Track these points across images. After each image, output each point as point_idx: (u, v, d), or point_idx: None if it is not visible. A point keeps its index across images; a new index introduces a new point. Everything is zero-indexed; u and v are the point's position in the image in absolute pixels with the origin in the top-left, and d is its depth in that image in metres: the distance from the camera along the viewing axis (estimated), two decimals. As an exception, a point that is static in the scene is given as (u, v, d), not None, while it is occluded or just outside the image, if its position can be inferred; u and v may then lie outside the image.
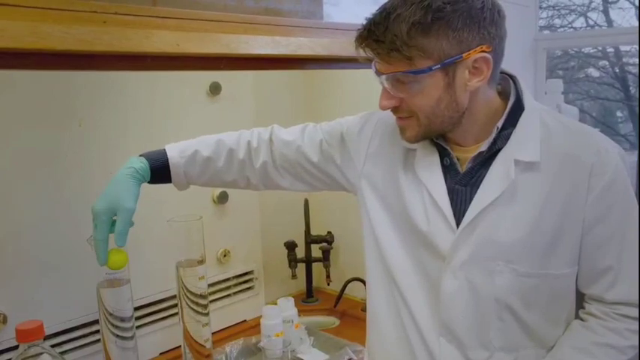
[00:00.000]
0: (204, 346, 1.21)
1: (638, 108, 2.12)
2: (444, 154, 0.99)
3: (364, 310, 1.84)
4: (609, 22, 3.36)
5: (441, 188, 0.97)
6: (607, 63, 3.57)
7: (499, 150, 0.94)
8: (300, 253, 1.93)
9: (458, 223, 0.95)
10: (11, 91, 1.23)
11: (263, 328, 1.45)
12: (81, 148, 1.34)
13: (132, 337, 1.16)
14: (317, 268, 1.97)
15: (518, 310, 0.95)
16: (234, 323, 1.72)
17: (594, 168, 0.91)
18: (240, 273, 1.73)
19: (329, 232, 1.94)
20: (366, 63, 0.96)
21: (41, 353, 1.16)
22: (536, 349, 0.98)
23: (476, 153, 0.96)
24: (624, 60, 3.50)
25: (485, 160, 0.96)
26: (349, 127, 1.12)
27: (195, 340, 1.22)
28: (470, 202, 0.95)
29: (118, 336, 1.14)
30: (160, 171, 1.08)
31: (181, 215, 1.21)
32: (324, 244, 1.92)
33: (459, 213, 0.96)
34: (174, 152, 1.09)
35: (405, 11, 0.85)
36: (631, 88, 3.42)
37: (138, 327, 1.46)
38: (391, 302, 1.06)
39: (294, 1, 1.24)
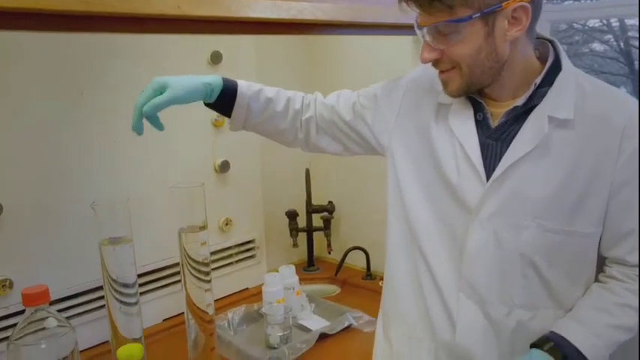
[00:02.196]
0: (207, 313, 1.23)
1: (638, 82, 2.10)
2: (477, 109, 1.00)
3: (364, 278, 1.87)
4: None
5: (474, 141, 0.98)
6: (611, 37, 3.53)
7: (534, 107, 0.95)
8: (301, 222, 1.94)
9: (488, 177, 0.97)
10: (17, 61, 1.24)
11: (264, 294, 1.47)
12: (83, 117, 1.35)
13: (136, 303, 1.17)
14: (318, 237, 1.99)
15: (542, 268, 0.96)
16: (236, 291, 1.74)
17: (626, 130, 0.92)
18: (242, 242, 1.74)
19: (330, 202, 1.95)
20: (365, 29, 0.96)
21: (47, 317, 1.18)
22: (555, 310, 0.99)
23: (511, 107, 0.97)
24: (629, 34, 3.47)
25: (518, 116, 0.96)
26: (383, 88, 1.15)
27: (197, 307, 1.23)
28: (500, 157, 0.96)
29: (122, 302, 1.15)
30: (226, 97, 1.09)
31: (183, 182, 1.22)
32: (325, 213, 1.94)
33: (489, 167, 0.97)
34: (244, 84, 1.11)
35: None
36: (635, 62, 3.39)
37: (142, 293, 1.48)
38: (410, 261, 1.07)
39: (296, -35, 1.24)
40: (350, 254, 1.88)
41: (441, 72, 0.97)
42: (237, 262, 1.74)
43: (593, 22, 3.43)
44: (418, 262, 1.06)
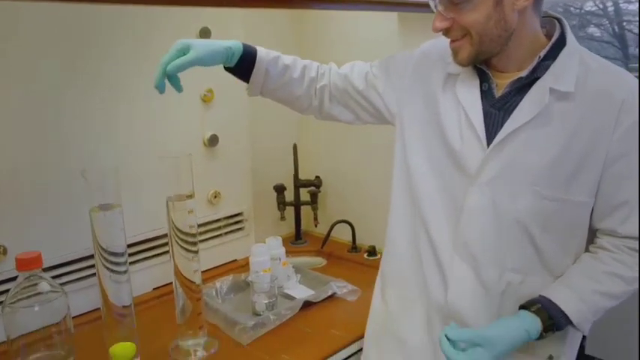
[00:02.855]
0: (194, 282, 1.27)
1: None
2: (483, 80, 1.05)
3: (350, 251, 1.92)
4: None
5: (478, 109, 1.04)
6: (607, 21, 3.54)
7: (537, 79, 1.00)
8: (289, 196, 1.98)
9: (489, 144, 1.02)
10: (12, 28, 1.27)
11: (251, 264, 1.52)
12: (75, 87, 1.38)
13: (125, 272, 1.20)
14: (305, 211, 2.03)
15: (535, 234, 1.01)
16: (225, 262, 1.79)
17: (625, 104, 0.96)
18: (230, 214, 1.79)
19: (317, 177, 1.99)
20: (351, 3, 1.00)
21: (40, 282, 1.22)
22: (545, 276, 1.04)
23: (515, 78, 1.02)
24: (624, 18, 3.48)
25: (521, 88, 1.01)
26: (395, 59, 1.21)
27: (185, 277, 1.27)
28: (502, 125, 1.01)
29: (112, 270, 1.18)
30: (245, 62, 1.15)
31: (172, 152, 1.25)
32: (312, 188, 1.98)
33: (490, 134, 1.02)
34: (263, 50, 1.16)
35: None
36: (630, 47, 3.41)
37: (132, 263, 1.52)
38: (410, 225, 1.14)
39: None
40: (336, 227, 1.93)
41: (452, 41, 1.02)
42: (225, 234, 1.78)
43: (590, 7, 3.44)
44: (417, 226, 1.12)
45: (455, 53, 1.03)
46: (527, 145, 0.99)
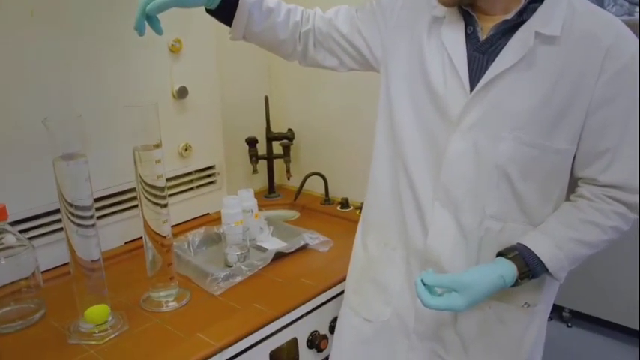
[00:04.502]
0: (164, 235, 1.26)
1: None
2: (468, 23, 1.03)
3: (323, 203, 1.92)
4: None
5: (462, 54, 1.02)
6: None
7: (523, 22, 0.98)
8: (261, 149, 1.97)
9: (472, 89, 1.00)
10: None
11: (223, 217, 1.51)
12: (40, 36, 1.34)
13: (93, 226, 1.18)
14: (278, 164, 2.02)
15: (516, 181, 1.00)
16: (197, 216, 1.79)
17: (610, 50, 0.94)
18: (202, 167, 1.77)
19: (289, 130, 1.97)
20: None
21: (6, 235, 1.21)
22: (524, 225, 1.04)
23: (501, 20, 1.00)
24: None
25: (506, 30, 0.99)
26: (381, 3, 1.18)
27: (153, 230, 1.26)
28: (485, 70, 1.00)
29: (78, 225, 1.16)
30: (228, 5, 1.11)
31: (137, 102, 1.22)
32: (285, 140, 1.96)
33: (473, 79, 1.01)
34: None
35: None
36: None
37: (102, 217, 1.51)
38: (392, 171, 1.14)
39: None
40: (309, 180, 1.93)
41: None
42: (197, 187, 1.77)
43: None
44: (399, 173, 1.11)
45: None
46: (511, 89, 0.98)
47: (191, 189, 1.75)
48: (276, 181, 2.05)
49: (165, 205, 1.27)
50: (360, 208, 1.82)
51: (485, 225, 1.03)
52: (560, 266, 1.01)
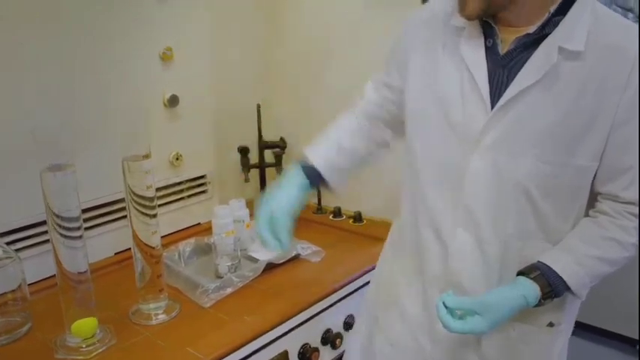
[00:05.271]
0: (153, 246, 1.25)
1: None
2: (488, 35, 0.99)
3: (315, 212, 1.91)
4: None
5: (483, 69, 0.98)
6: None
7: (546, 35, 0.94)
8: (253, 158, 1.95)
9: (492, 105, 0.97)
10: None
11: (214, 226, 1.49)
12: (30, 42, 1.32)
13: (80, 237, 1.16)
14: (270, 173, 2.00)
15: (536, 198, 0.97)
16: (188, 226, 1.76)
17: (636, 63, 0.90)
18: (193, 177, 1.75)
19: (281, 138, 1.95)
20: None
21: (-9, 248, 1.18)
22: (544, 242, 1.01)
23: (522, 34, 0.96)
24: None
25: (529, 44, 0.95)
26: (392, 46, 1.16)
27: (142, 241, 1.24)
28: (506, 86, 0.96)
29: (65, 236, 1.14)
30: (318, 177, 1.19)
31: (129, 111, 1.21)
32: (277, 149, 1.95)
33: (494, 95, 0.97)
34: (321, 160, 1.19)
35: None
36: None
37: (91, 227, 1.49)
38: (409, 196, 1.12)
39: None
40: (301, 189, 1.91)
41: None
42: (188, 197, 1.75)
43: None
44: (416, 196, 1.09)
45: (462, 5, 0.96)
46: (533, 107, 0.94)
47: (182, 198, 1.73)
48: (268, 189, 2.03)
49: (155, 216, 1.25)
50: (353, 217, 1.82)
51: (506, 244, 1.01)
52: (582, 284, 0.98)
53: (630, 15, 2.55)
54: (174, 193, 1.71)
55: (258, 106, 1.90)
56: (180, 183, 1.72)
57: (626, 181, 0.96)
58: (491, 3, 0.93)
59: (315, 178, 1.17)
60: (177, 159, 1.68)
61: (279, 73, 2.02)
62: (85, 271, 1.17)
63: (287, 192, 1.14)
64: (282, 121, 2.03)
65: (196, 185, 1.77)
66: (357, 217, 1.82)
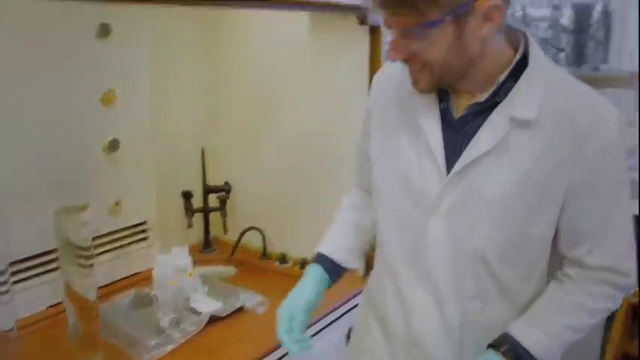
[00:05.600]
0: (88, 299, 1.18)
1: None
2: (443, 98, 0.98)
3: (261, 258, 1.87)
4: None
5: (438, 134, 0.97)
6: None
7: (498, 103, 0.93)
8: (197, 202, 1.90)
9: (448, 170, 0.95)
10: None
11: (155, 277, 1.43)
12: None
13: (7, 292, 1.09)
14: (214, 217, 1.96)
15: (494, 265, 0.96)
16: (127, 275, 1.69)
17: (590, 131, 0.89)
18: (133, 224, 1.69)
19: (226, 182, 1.92)
20: (259, 3, 0.92)
21: None
22: (505, 305, 1.00)
23: (473, 102, 0.95)
24: (531, 22, 3.62)
25: (482, 111, 0.94)
26: (364, 116, 1.14)
27: (77, 293, 1.17)
28: (461, 151, 0.95)
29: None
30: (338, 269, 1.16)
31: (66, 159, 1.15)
32: (222, 193, 1.91)
33: (449, 160, 0.96)
34: (333, 253, 1.16)
35: None
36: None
37: (23, 280, 1.40)
38: (378, 254, 1.12)
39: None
40: (247, 234, 1.87)
41: (412, 70, 0.94)
42: (128, 244, 1.68)
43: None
44: (378, 257, 1.09)
45: (415, 82, 0.96)
46: (486, 175, 0.93)
47: (121, 246, 1.66)
48: (213, 234, 1.98)
49: (91, 266, 1.19)
50: (300, 263, 1.79)
51: (466, 306, 1.00)
52: (551, 355, 0.98)
53: (562, 54, 2.65)
54: (112, 241, 1.63)
55: (203, 150, 1.86)
56: (119, 230, 1.65)
57: (588, 246, 0.96)
58: (443, 80, 0.94)
59: (334, 270, 1.15)
60: (116, 205, 1.61)
61: (224, 116, 2.00)
62: (11, 329, 1.09)
63: (304, 289, 1.11)
64: (227, 164, 2.00)
65: (136, 232, 1.71)
66: (304, 263, 1.79)
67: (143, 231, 1.72)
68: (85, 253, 1.17)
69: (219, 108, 1.99)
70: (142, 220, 1.71)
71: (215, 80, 1.97)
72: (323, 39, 1.70)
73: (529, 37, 0.95)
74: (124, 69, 1.59)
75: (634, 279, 0.99)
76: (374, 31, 1.60)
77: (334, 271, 1.15)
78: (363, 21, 1.55)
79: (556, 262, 1.02)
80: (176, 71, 1.85)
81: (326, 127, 1.74)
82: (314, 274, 1.13)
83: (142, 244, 1.72)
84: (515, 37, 0.95)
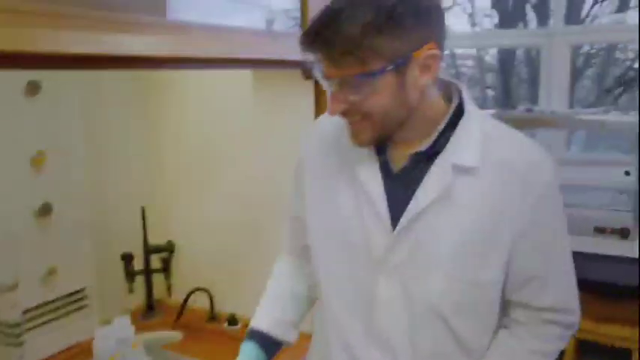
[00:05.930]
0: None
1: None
2: (381, 151, 0.96)
3: (208, 320, 1.79)
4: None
5: (377, 186, 0.95)
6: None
7: (438, 153, 0.93)
8: (138, 264, 1.81)
9: (393, 223, 0.93)
10: None
11: (95, 351, 1.34)
12: None
13: None
14: (157, 279, 1.87)
15: (449, 317, 0.94)
16: (64, 348, 1.57)
17: (527, 177, 0.91)
18: (69, 292, 1.58)
19: (169, 241, 1.85)
20: (195, 63, 0.89)
21: None
22: (462, 357, 0.97)
23: (414, 152, 0.94)
24: (457, 62, 3.74)
25: (423, 162, 0.93)
26: (295, 166, 1.11)
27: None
28: (405, 204, 0.92)
29: None
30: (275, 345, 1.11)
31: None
32: (164, 253, 1.83)
33: (394, 215, 0.93)
34: (274, 330, 1.10)
35: (356, 12, 0.82)
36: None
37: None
38: (320, 320, 1.06)
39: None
40: (193, 296, 1.79)
41: (352, 123, 0.92)
42: (65, 314, 1.57)
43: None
44: (325, 313, 1.03)
45: (354, 135, 0.93)
46: (434, 226, 0.92)
47: (56, 318, 1.54)
48: (156, 297, 1.88)
49: (21, 344, 1.09)
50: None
51: None
52: None
53: (490, 93, 2.72)
54: (46, 313, 1.52)
55: (143, 209, 1.78)
56: (55, 300, 1.54)
57: (535, 289, 0.96)
58: (384, 132, 0.92)
59: (269, 346, 1.10)
60: (50, 274, 1.51)
61: (165, 174, 1.93)
62: None
63: None
64: (169, 223, 1.92)
65: (74, 301, 1.60)
66: (254, 323, 1.71)
67: (81, 299, 1.62)
68: (14, 331, 1.07)
69: (160, 165, 1.92)
70: (80, 288, 1.61)
71: (155, 138, 1.91)
72: (266, 95, 1.69)
73: (462, 87, 0.96)
74: (54, 129, 1.52)
75: (578, 316, 1.01)
76: (319, 86, 1.58)
77: (270, 347, 1.09)
78: (308, 75, 1.53)
79: (506, 311, 1.01)
80: (113, 129, 1.79)
81: (270, 183, 1.70)
82: (248, 353, 1.07)
83: (81, 313, 1.62)
84: (448, 88, 0.97)
